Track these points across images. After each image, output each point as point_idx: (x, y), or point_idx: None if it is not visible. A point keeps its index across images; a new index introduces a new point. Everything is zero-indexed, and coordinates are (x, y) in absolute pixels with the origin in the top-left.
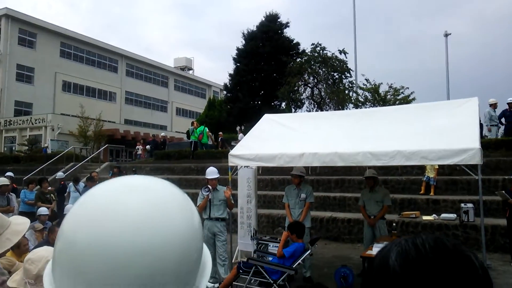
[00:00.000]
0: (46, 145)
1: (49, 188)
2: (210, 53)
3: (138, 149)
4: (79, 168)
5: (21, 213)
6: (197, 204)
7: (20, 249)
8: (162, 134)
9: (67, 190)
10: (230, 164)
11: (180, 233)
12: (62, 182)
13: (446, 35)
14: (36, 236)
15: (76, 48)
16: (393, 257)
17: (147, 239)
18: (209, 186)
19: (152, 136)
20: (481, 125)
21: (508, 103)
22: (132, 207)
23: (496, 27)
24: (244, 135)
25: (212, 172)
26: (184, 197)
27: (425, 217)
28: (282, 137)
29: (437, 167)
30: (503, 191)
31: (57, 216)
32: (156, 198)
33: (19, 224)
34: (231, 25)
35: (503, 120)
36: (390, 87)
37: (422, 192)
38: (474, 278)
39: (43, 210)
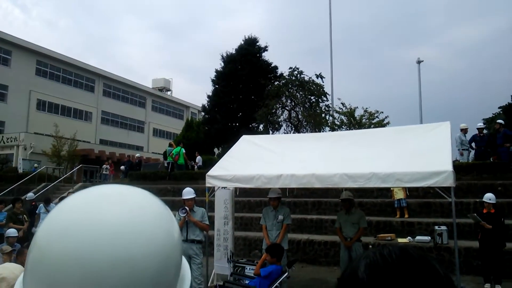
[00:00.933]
0: (36, 165)
1: (21, 209)
2: (189, 75)
3: (104, 168)
4: (51, 189)
5: None
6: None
7: None
8: (137, 155)
9: (37, 211)
10: (207, 185)
11: (157, 244)
12: (33, 203)
13: (419, 62)
14: (4, 259)
15: (53, 67)
16: (362, 269)
17: (123, 249)
18: (186, 207)
19: (127, 156)
20: None
21: (477, 128)
22: (107, 216)
23: (467, 55)
24: (220, 157)
25: (187, 193)
26: (162, 206)
27: (400, 240)
28: (259, 158)
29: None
30: (475, 214)
31: (28, 238)
32: (133, 207)
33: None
34: (211, 48)
35: (473, 144)
36: (366, 111)
37: (397, 216)
38: (439, 285)
39: (11, 232)
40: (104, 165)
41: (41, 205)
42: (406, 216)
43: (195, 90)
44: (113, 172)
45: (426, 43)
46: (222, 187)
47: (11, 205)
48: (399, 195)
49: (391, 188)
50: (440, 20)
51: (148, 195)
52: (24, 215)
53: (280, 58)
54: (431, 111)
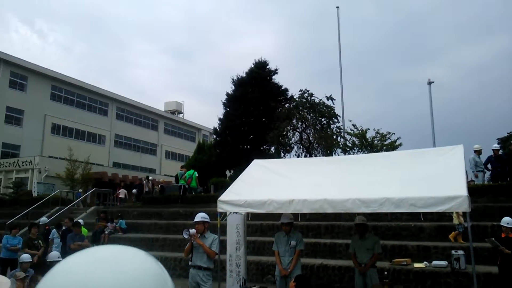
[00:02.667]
0: (80, 190)
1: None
2: (201, 97)
3: (121, 192)
4: (65, 212)
5: (2, 260)
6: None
7: None
8: (150, 178)
9: (50, 236)
10: (219, 210)
11: None
12: (47, 227)
13: (430, 83)
14: (17, 285)
15: (67, 91)
16: None
17: None
18: (189, 230)
19: (139, 180)
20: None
21: (493, 149)
22: (101, 283)
23: (479, 74)
24: (232, 180)
25: (198, 216)
26: (157, 269)
27: (416, 265)
28: (271, 183)
29: (461, 213)
30: (493, 238)
31: (43, 263)
32: (127, 274)
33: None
34: (222, 70)
35: (489, 166)
36: (377, 132)
37: (451, 238)
38: None
39: (25, 257)
40: (121, 190)
41: (54, 230)
42: (460, 241)
43: (206, 112)
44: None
45: (437, 62)
46: (234, 212)
47: (25, 229)
48: (455, 220)
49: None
50: (451, 39)
51: (144, 258)
52: (40, 241)
53: (290, 80)
54: (444, 131)
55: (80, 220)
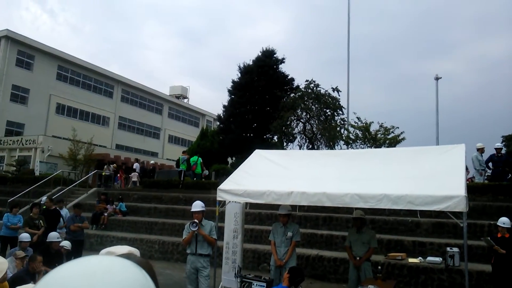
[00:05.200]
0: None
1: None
2: (208, 81)
3: (133, 175)
4: (66, 193)
5: (2, 238)
6: (183, 238)
7: None
8: (152, 161)
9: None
10: (218, 198)
11: None
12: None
13: (437, 78)
14: (16, 263)
15: (73, 72)
16: None
17: None
18: (196, 221)
19: (141, 163)
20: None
21: (495, 148)
22: None
23: (491, 71)
24: (234, 167)
25: (196, 205)
26: (145, 281)
27: (411, 260)
28: (271, 174)
29: None
30: (489, 238)
31: (43, 242)
32: (116, 285)
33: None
34: (231, 55)
35: (490, 164)
36: (381, 126)
37: None
38: None
39: (24, 237)
40: (134, 173)
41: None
42: None
43: (212, 97)
44: (122, 178)
45: (447, 57)
46: (233, 201)
47: (27, 207)
48: None
49: None
50: (463, 34)
51: (133, 270)
52: (41, 220)
53: (299, 69)
54: (449, 125)
55: (43, 198)
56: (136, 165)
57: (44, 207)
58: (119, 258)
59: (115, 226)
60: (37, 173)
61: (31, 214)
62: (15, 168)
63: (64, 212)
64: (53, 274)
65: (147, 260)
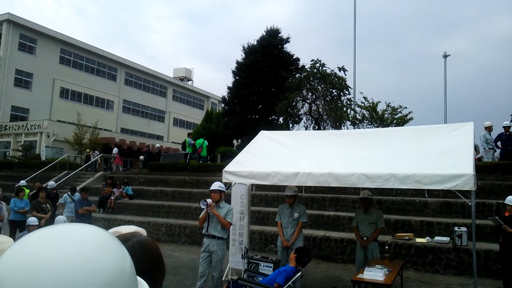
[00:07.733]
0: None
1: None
2: (214, 64)
3: (91, 155)
4: (73, 177)
5: (11, 222)
6: (200, 216)
7: None
8: (157, 145)
9: (62, 201)
10: (224, 180)
11: (102, 277)
12: (55, 191)
13: (445, 56)
14: None
15: (76, 55)
16: None
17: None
18: (207, 200)
19: (147, 146)
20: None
21: (504, 127)
22: (48, 256)
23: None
24: (239, 149)
25: (214, 185)
26: (119, 246)
27: (418, 240)
28: (277, 155)
29: None
30: (496, 217)
31: None
32: (87, 244)
33: (2, 243)
34: (236, 36)
35: (499, 143)
36: (388, 106)
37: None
38: None
39: (32, 220)
40: (93, 152)
41: (65, 195)
42: None
43: (217, 79)
44: (120, 162)
45: (458, 34)
46: (239, 183)
47: (33, 191)
48: None
49: None
50: (475, 10)
51: (106, 234)
52: (48, 204)
53: (307, 48)
54: (459, 104)
55: (22, 182)
56: (115, 150)
57: (34, 190)
58: (92, 226)
59: (122, 209)
60: (43, 158)
61: (38, 198)
62: (21, 154)
63: (77, 196)
64: (23, 238)
65: (153, 239)
